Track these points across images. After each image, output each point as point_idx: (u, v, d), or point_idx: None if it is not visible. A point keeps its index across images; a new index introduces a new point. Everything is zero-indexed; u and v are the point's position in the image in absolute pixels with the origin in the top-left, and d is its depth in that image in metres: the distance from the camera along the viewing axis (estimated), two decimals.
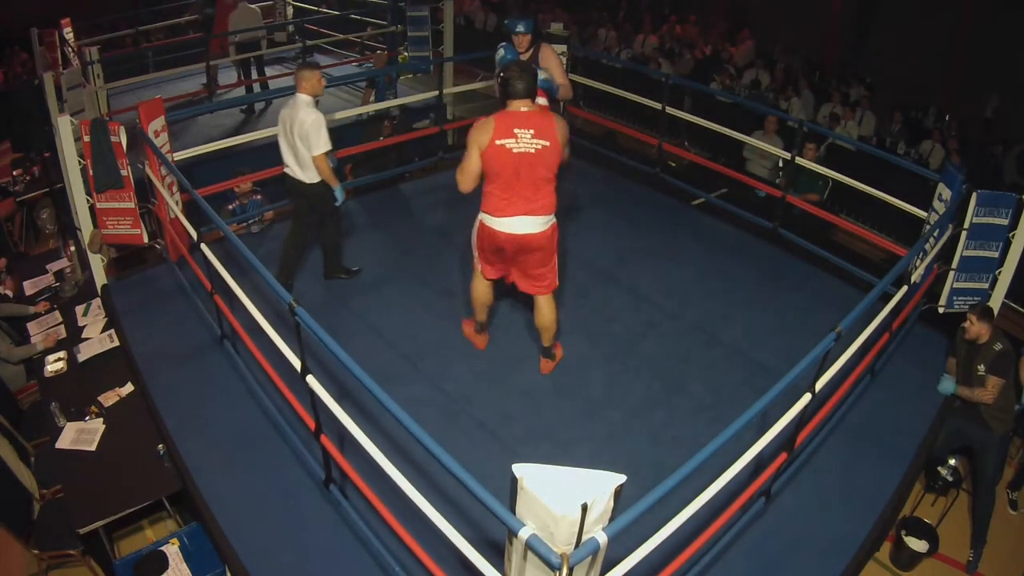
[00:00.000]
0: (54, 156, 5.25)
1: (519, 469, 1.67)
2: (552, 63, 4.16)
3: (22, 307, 4.81)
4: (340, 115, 6.00)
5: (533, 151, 3.12)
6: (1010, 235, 3.99)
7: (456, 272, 4.73)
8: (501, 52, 4.17)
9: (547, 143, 3.13)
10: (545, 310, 3.59)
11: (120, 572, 3.08)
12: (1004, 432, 3.73)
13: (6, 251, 6.47)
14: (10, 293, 5.04)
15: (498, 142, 3.11)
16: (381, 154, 6.42)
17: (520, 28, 4.08)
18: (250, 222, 5.14)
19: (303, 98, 3.94)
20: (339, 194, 4.20)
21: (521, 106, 3.16)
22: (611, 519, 1.73)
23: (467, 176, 3.25)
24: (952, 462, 4.11)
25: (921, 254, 3.94)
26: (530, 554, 1.71)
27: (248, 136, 5.32)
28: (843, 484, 3.27)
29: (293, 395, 3.05)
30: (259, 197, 5.15)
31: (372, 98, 6.89)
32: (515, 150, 3.12)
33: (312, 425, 2.83)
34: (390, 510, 2.57)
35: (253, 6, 7.97)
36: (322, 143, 3.96)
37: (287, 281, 4.36)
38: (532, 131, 3.11)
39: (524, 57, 4.15)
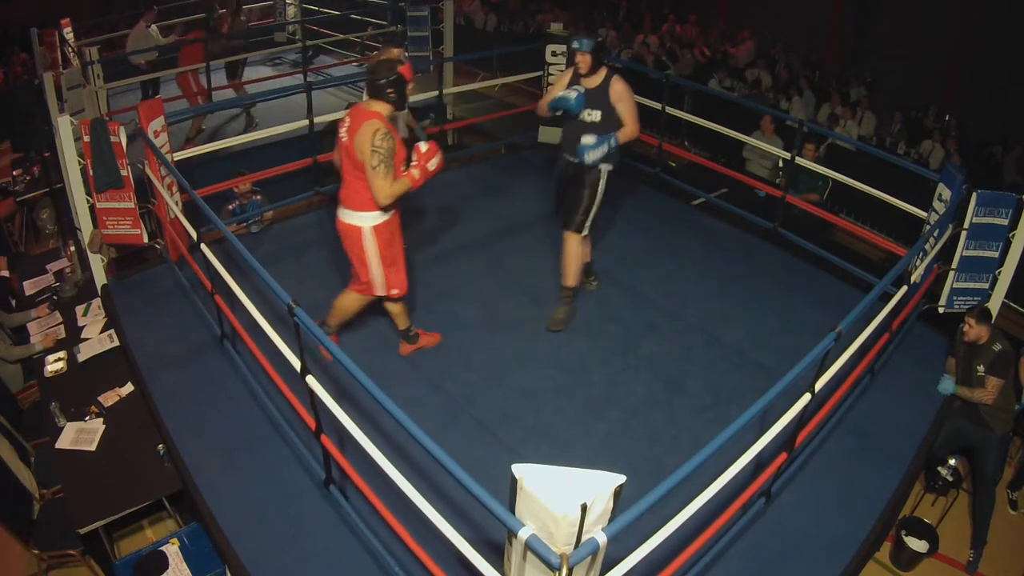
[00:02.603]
0: (54, 156, 5.25)
1: (519, 469, 1.67)
2: (623, 99, 3.78)
3: (24, 315, 4.82)
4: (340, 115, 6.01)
5: (342, 140, 3.30)
6: (1010, 235, 3.98)
7: (455, 272, 4.73)
8: (565, 94, 3.78)
9: (345, 138, 3.26)
10: (343, 297, 3.67)
11: (120, 572, 3.09)
12: (1004, 432, 3.73)
13: (6, 251, 6.48)
14: (6, 273, 5.02)
15: (340, 126, 3.35)
16: None
17: (575, 44, 3.74)
18: (250, 222, 5.14)
19: None
20: None
21: (362, 102, 3.36)
22: (611, 519, 1.73)
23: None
24: (952, 462, 4.11)
25: (921, 254, 3.94)
26: (530, 554, 1.70)
27: (248, 136, 5.33)
28: (843, 484, 3.27)
29: (293, 395, 3.05)
30: (259, 198, 5.16)
31: None
32: (340, 135, 3.32)
33: (312, 425, 2.83)
34: (390, 510, 2.57)
35: (151, 28, 7.80)
36: None
37: None
38: (348, 123, 3.27)
39: (587, 81, 3.81)
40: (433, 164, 3.35)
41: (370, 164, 3.16)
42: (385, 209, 3.35)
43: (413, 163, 3.32)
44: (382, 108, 3.26)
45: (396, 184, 3.24)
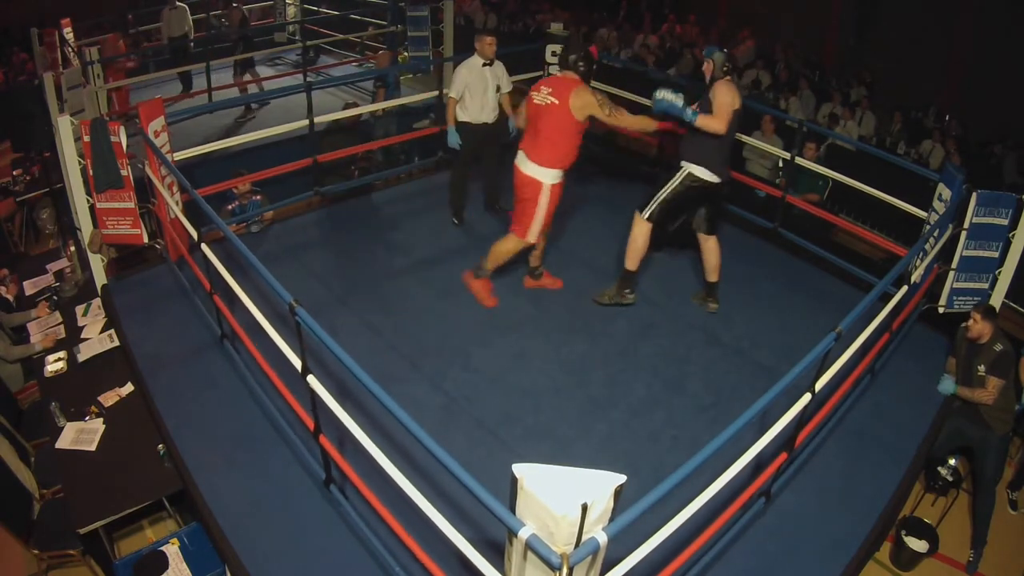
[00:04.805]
0: (54, 156, 5.25)
1: (519, 469, 1.67)
2: (716, 103, 3.79)
3: (24, 315, 4.82)
4: (345, 114, 6.02)
5: (544, 104, 3.84)
6: (1010, 235, 3.99)
7: (456, 272, 4.73)
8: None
9: (556, 101, 3.79)
10: (502, 240, 4.18)
11: (120, 572, 3.08)
12: (1004, 432, 3.73)
13: (6, 251, 6.47)
14: (10, 297, 5.03)
15: (532, 93, 3.94)
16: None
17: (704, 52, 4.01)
18: (249, 223, 5.14)
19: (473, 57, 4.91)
20: (449, 138, 5.00)
21: (558, 72, 4.02)
22: (611, 519, 1.73)
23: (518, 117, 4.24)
24: (952, 462, 4.11)
25: (921, 254, 3.94)
26: (530, 554, 1.70)
27: (248, 136, 5.32)
28: (843, 484, 3.27)
29: (293, 395, 3.05)
30: (259, 198, 5.15)
31: (384, 96, 6.89)
32: (535, 100, 3.89)
33: (312, 425, 2.83)
34: (390, 510, 2.57)
35: (179, 5, 8.02)
36: (451, 88, 4.89)
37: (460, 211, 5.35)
38: (550, 89, 3.84)
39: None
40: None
41: (604, 114, 3.79)
42: (564, 170, 3.92)
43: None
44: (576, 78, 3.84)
45: (640, 120, 3.94)
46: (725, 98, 3.79)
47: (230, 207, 5.08)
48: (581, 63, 3.83)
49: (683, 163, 3.98)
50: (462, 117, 4.95)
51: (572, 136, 3.85)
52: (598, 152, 6.37)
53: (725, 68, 3.88)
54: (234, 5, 8.67)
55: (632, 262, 4.18)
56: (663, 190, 4.02)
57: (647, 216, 4.04)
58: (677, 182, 3.99)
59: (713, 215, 4.18)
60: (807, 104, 9.31)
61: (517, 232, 4.08)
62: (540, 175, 3.88)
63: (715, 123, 3.78)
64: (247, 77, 8.37)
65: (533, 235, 4.04)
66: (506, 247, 4.14)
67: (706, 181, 3.95)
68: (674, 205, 4.04)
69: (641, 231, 4.08)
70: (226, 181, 5.01)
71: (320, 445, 2.83)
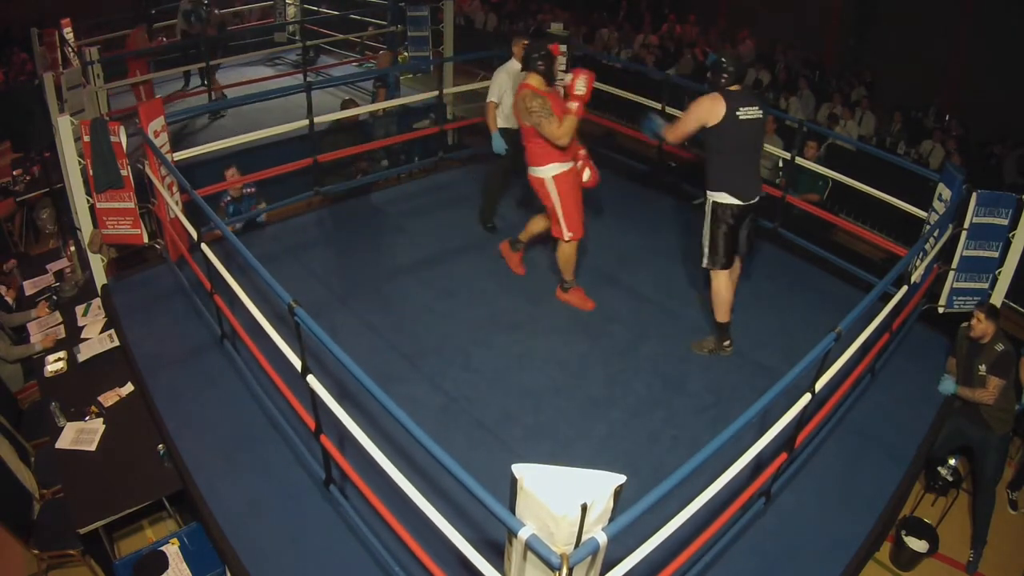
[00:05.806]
0: (54, 156, 5.25)
1: (519, 469, 1.67)
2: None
3: (24, 315, 4.82)
4: (346, 114, 6.02)
5: None
6: (1010, 235, 3.99)
7: (456, 272, 4.73)
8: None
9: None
10: (558, 252, 4.25)
11: (120, 572, 3.09)
12: (1004, 432, 3.73)
13: (6, 251, 6.47)
14: (9, 299, 5.03)
15: None
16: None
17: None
18: (256, 216, 5.13)
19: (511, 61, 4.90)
20: (495, 144, 4.87)
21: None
22: (611, 519, 1.73)
23: None
24: (952, 462, 4.11)
25: (921, 254, 3.94)
26: (530, 554, 1.70)
27: (248, 136, 5.31)
28: (843, 484, 3.27)
29: (293, 395, 3.05)
30: (252, 191, 5.15)
31: (384, 96, 6.89)
32: None
33: (312, 425, 2.83)
34: (390, 510, 2.57)
35: None
36: (490, 93, 4.88)
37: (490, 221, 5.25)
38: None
39: None
40: (581, 87, 3.67)
41: (534, 124, 3.77)
42: (561, 162, 3.93)
43: (569, 99, 3.72)
44: (534, 80, 3.86)
45: (564, 124, 3.74)
46: (691, 109, 3.59)
47: (223, 203, 5.07)
48: (540, 62, 3.84)
49: (708, 192, 3.73)
50: (501, 123, 4.89)
51: (529, 135, 3.90)
52: (597, 152, 6.35)
53: (723, 79, 3.58)
54: (205, 7, 8.62)
55: (722, 314, 3.94)
56: (705, 234, 3.78)
57: (717, 266, 3.81)
58: (711, 218, 3.74)
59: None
60: (807, 104, 9.32)
61: (555, 234, 4.16)
62: (540, 173, 3.99)
63: (668, 132, 3.74)
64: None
65: (572, 229, 4.07)
66: (562, 253, 4.21)
67: (733, 204, 3.67)
68: (728, 237, 3.75)
69: (720, 281, 3.86)
70: (222, 183, 5.01)
71: (320, 445, 2.83)
